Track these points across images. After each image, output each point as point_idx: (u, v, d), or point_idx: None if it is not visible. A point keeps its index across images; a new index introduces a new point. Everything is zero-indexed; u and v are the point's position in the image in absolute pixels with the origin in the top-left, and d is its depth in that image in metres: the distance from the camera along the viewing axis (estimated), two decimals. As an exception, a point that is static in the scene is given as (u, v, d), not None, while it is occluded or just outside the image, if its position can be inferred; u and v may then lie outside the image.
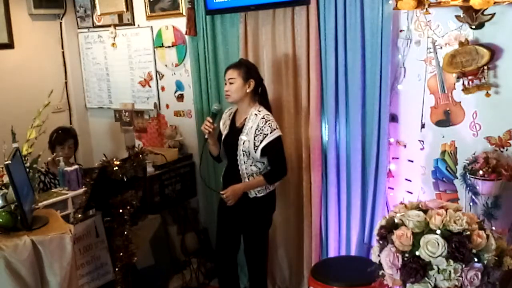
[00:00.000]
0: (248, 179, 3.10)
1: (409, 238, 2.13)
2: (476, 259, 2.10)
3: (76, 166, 3.29)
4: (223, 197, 3.10)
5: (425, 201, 2.32)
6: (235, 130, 3.15)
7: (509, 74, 2.77)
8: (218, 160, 3.37)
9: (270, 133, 3.02)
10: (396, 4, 2.93)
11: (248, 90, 3.08)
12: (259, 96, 3.17)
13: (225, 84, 3.12)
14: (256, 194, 3.11)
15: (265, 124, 3.03)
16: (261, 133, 3.02)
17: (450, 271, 2.07)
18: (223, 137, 3.23)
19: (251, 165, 3.09)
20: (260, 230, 3.23)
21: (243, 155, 3.08)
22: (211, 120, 3.13)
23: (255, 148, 3.03)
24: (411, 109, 3.14)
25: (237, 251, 3.33)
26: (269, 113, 3.11)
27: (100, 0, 4.40)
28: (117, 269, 3.11)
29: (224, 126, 3.26)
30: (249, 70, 3.10)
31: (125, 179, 3.01)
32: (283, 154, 3.13)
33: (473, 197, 2.79)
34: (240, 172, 3.11)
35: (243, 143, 3.07)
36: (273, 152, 3.05)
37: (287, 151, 3.51)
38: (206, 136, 3.17)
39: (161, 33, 4.22)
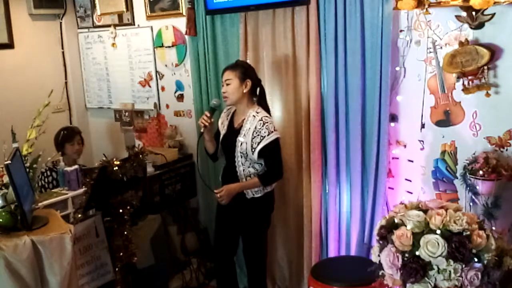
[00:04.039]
0: (246, 180, 3.10)
1: (409, 238, 2.13)
2: (476, 259, 2.10)
3: (76, 166, 3.30)
4: (216, 196, 3.11)
5: (425, 201, 2.32)
6: (233, 131, 3.15)
7: (509, 74, 2.77)
8: (214, 159, 3.37)
9: (268, 135, 3.02)
10: (396, 4, 2.93)
11: (245, 91, 3.08)
12: (258, 97, 3.17)
13: (222, 85, 3.13)
14: (253, 194, 3.11)
15: (262, 126, 3.03)
16: (258, 135, 3.02)
17: (450, 271, 2.07)
18: (221, 137, 3.23)
19: (249, 167, 3.09)
20: (258, 230, 3.23)
21: (241, 157, 3.08)
22: (208, 115, 3.13)
23: (253, 150, 3.03)
24: (411, 109, 3.14)
25: (235, 251, 3.34)
26: (267, 115, 3.11)
27: (100, 0, 4.41)
28: (117, 269, 3.11)
29: (222, 126, 3.26)
30: (245, 70, 3.10)
31: (125, 179, 3.01)
32: (280, 157, 3.12)
33: (473, 197, 2.79)
34: (238, 173, 3.11)
35: (241, 145, 3.07)
36: (270, 154, 3.05)
37: (287, 151, 3.52)
38: (202, 130, 3.17)
39: (161, 33, 4.23)
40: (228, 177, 3.18)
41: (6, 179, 2.51)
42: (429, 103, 3.07)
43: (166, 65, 4.28)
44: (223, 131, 3.24)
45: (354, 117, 3.27)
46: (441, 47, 2.96)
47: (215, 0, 3.65)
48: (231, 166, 3.15)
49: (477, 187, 2.73)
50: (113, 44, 4.58)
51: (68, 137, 3.94)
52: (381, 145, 3.19)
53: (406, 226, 2.18)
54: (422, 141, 3.14)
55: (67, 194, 3.16)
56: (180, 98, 4.27)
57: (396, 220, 2.25)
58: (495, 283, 2.10)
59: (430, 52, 3.00)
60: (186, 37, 4.03)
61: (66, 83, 4.84)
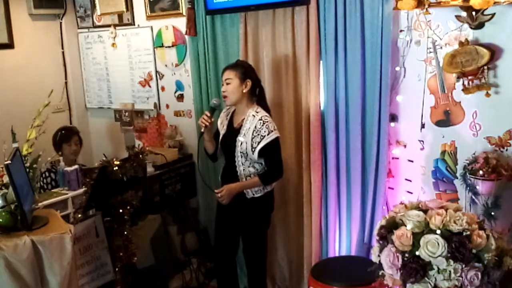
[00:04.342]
0: (246, 179, 3.10)
1: (409, 238, 2.13)
2: (476, 259, 2.10)
3: (76, 166, 3.30)
4: (217, 196, 3.11)
5: (425, 201, 2.32)
6: (233, 131, 3.15)
7: (509, 74, 2.77)
8: (213, 159, 3.37)
9: (268, 134, 3.02)
10: (396, 4, 2.93)
11: (245, 91, 3.08)
12: (257, 97, 3.17)
13: (222, 85, 3.13)
14: (253, 194, 3.11)
15: (262, 125, 3.03)
16: (258, 134, 3.02)
17: (450, 271, 2.07)
18: (220, 137, 3.23)
19: (249, 166, 3.10)
20: (258, 230, 3.23)
21: (241, 156, 3.08)
22: (208, 114, 3.13)
23: (253, 149, 3.03)
24: (411, 109, 3.14)
25: (235, 251, 3.33)
26: (267, 114, 3.11)
27: (100, 0, 4.41)
28: (117, 269, 3.11)
29: (221, 126, 3.26)
30: (245, 70, 3.11)
31: (125, 179, 3.01)
32: (280, 156, 3.13)
33: (473, 197, 2.79)
34: (238, 173, 3.11)
35: (241, 144, 3.07)
36: (270, 153, 3.05)
37: (287, 151, 3.52)
38: (202, 130, 3.17)
39: (161, 33, 4.23)
40: (228, 177, 3.18)
41: (6, 179, 2.51)
42: (429, 103, 3.07)
43: (166, 65, 4.28)
44: (222, 131, 3.24)
45: (354, 117, 3.27)
46: (441, 47, 2.96)
47: (215, 0, 3.65)
48: (231, 166, 3.15)
49: (477, 187, 2.73)
50: (113, 44, 4.58)
51: (65, 138, 3.93)
52: (381, 145, 3.19)
53: (406, 226, 2.18)
54: (422, 141, 3.14)
55: (67, 194, 3.16)
56: (180, 98, 4.27)
57: (396, 220, 2.25)
58: (495, 283, 2.10)
59: (430, 52, 3.00)
60: (186, 37, 4.03)
61: (66, 83, 4.84)
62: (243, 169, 3.10)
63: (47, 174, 3.81)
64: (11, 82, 4.38)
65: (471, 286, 2.07)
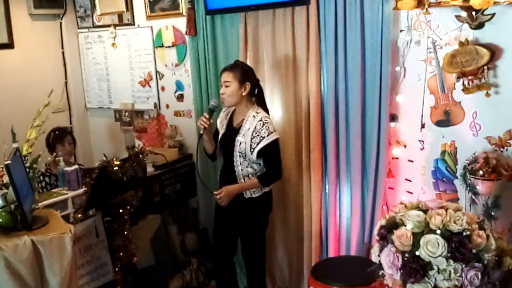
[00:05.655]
0: (244, 179, 3.10)
1: (409, 238, 2.13)
2: (476, 259, 2.10)
3: (76, 166, 3.30)
4: (216, 198, 3.11)
5: (425, 201, 2.32)
6: (232, 131, 3.15)
7: (509, 74, 2.77)
8: (212, 159, 3.37)
9: (267, 136, 3.02)
10: (396, 4, 2.93)
11: (244, 93, 3.08)
12: (256, 97, 3.17)
13: (221, 86, 3.12)
14: (251, 194, 3.11)
15: (262, 126, 3.03)
16: (258, 135, 3.02)
17: (450, 271, 2.07)
18: (219, 137, 3.23)
19: (247, 167, 3.10)
20: (257, 230, 3.23)
21: (239, 156, 3.08)
22: (207, 116, 3.13)
23: (251, 150, 3.03)
24: (411, 109, 3.14)
25: (234, 252, 3.34)
26: (267, 116, 3.11)
27: (100, 0, 4.41)
28: (117, 269, 3.11)
29: (221, 125, 3.26)
30: (244, 72, 3.09)
31: (125, 179, 3.02)
32: (279, 158, 3.13)
33: (473, 197, 2.79)
34: (236, 173, 3.11)
35: (240, 144, 3.07)
36: (269, 155, 3.05)
37: (287, 151, 3.52)
38: (201, 132, 3.17)
39: (161, 33, 4.23)
40: (226, 176, 3.18)
41: (6, 179, 2.51)
42: (429, 103, 3.07)
43: (166, 65, 4.28)
44: (222, 130, 3.24)
45: (354, 117, 3.26)
46: (441, 47, 2.95)
47: (215, 0, 3.65)
48: (229, 165, 3.15)
49: (477, 187, 2.73)
50: (113, 44, 4.58)
51: (58, 138, 3.90)
52: (381, 145, 3.19)
53: (406, 226, 2.18)
54: (422, 141, 3.14)
55: (67, 194, 3.16)
56: (180, 98, 4.27)
57: (396, 220, 2.25)
58: (495, 283, 2.10)
59: (430, 52, 3.00)
60: (186, 37, 4.03)
61: (66, 83, 4.84)
62: (241, 169, 3.10)
63: (41, 178, 3.77)
64: (11, 82, 4.38)
65: (471, 286, 2.07)
